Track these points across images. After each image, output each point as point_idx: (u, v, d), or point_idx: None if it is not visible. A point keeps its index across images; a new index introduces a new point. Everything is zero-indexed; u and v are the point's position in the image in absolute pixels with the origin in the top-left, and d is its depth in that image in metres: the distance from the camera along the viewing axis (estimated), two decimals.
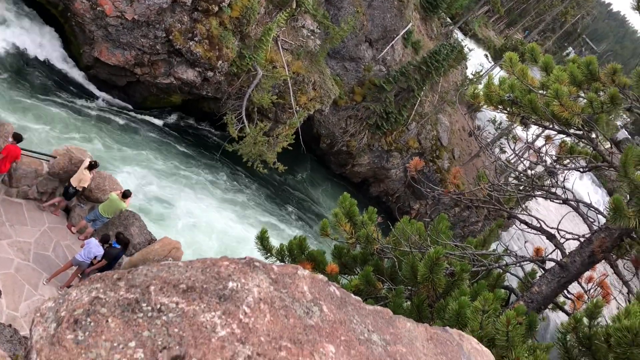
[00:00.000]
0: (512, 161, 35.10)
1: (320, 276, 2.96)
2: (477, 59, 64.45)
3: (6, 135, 16.48)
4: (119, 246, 16.09)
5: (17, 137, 16.30)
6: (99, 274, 2.40)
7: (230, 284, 2.48)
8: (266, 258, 8.84)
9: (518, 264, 8.52)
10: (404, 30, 43.60)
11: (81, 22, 28.25)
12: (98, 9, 27.69)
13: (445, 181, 43.77)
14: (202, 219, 29.28)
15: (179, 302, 2.30)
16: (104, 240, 15.75)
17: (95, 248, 15.35)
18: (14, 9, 29.64)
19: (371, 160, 43.17)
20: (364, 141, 41.85)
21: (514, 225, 36.55)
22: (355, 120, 41.06)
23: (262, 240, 8.76)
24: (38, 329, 2.20)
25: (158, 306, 2.26)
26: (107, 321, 2.19)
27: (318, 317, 2.64)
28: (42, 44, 30.18)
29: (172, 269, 2.45)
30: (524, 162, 11.33)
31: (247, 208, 33.79)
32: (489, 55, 74.87)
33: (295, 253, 8.70)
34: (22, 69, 28.74)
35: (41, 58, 30.02)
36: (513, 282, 10.24)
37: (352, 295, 3.07)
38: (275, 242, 9.17)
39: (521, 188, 10.23)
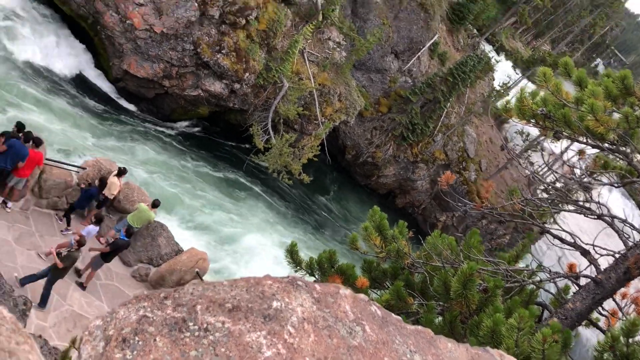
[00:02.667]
0: (541, 173, 34.81)
1: (362, 296, 2.95)
2: (504, 70, 64.13)
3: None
4: (127, 239, 16.15)
5: (37, 141, 15.85)
6: (146, 292, 2.41)
7: (275, 304, 2.47)
8: (295, 271, 8.81)
9: (552, 280, 8.42)
10: (431, 42, 43.53)
11: (110, 35, 28.69)
12: (127, 22, 28.11)
13: (472, 193, 43.47)
14: (228, 229, 29.37)
15: (225, 321, 2.30)
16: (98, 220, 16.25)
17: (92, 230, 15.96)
18: (44, 21, 30.15)
19: (397, 171, 43.05)
20: (390, 152, 41.77)
21: (543, 239, 36.17)
22: (380, 132, 41.04)
23: (292, 253, 8.74)
24: (87, 348, 2.21)
25: (205, 325, 2.27)
26: (154, 340, 2.20)
27: (361, 338, 2.62)
28: (74, 57, 30.69)
29: (217, 288, 2.45)
30: (554, 174, 11.21)
31: (271, 221, 33.81)
32: (516, 66, 74.40)
33: (325, 267, 8.66)
34: (56, 82, 29.16)
35: (73, 71, 30.48)
36: (544, 298, 10.11)
37: (393, 314, 3.05)
38: (304, 255, 9.15)
39: (556, 202, 10.11)
